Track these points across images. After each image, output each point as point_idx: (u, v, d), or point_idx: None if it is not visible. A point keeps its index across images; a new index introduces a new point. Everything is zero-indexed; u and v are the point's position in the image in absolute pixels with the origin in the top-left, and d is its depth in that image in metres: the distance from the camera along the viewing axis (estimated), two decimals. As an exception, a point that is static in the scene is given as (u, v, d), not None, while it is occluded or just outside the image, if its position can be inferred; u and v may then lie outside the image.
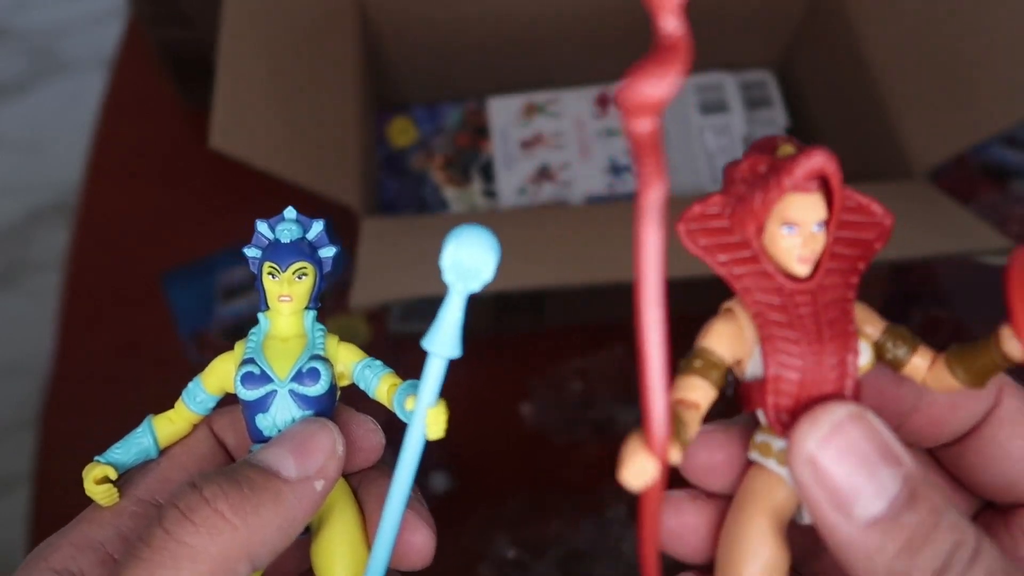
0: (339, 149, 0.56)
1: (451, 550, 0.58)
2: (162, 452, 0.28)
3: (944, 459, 0.27)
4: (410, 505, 0.25)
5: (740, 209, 0.22)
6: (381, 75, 0.71)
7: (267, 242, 0.28)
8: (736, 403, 0.24)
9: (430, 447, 0.25)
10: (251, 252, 0.28)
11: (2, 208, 1.32)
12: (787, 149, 0.23)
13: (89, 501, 0.27)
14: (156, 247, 0.73)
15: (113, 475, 0.27)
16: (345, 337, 0.28)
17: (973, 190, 0.70)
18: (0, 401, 1.11)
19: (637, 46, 0.78)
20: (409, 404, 0.25)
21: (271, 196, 0.51)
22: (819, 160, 0.21)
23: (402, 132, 0.73)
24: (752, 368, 0.23)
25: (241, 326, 0.65)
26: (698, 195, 0.24)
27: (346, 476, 0.28)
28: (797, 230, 0.22)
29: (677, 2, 0.16)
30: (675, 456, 0.20)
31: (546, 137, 0.71)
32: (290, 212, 0.28)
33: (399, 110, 0.74)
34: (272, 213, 0.28)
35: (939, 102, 0.57)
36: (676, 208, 0.25)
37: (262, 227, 0.28)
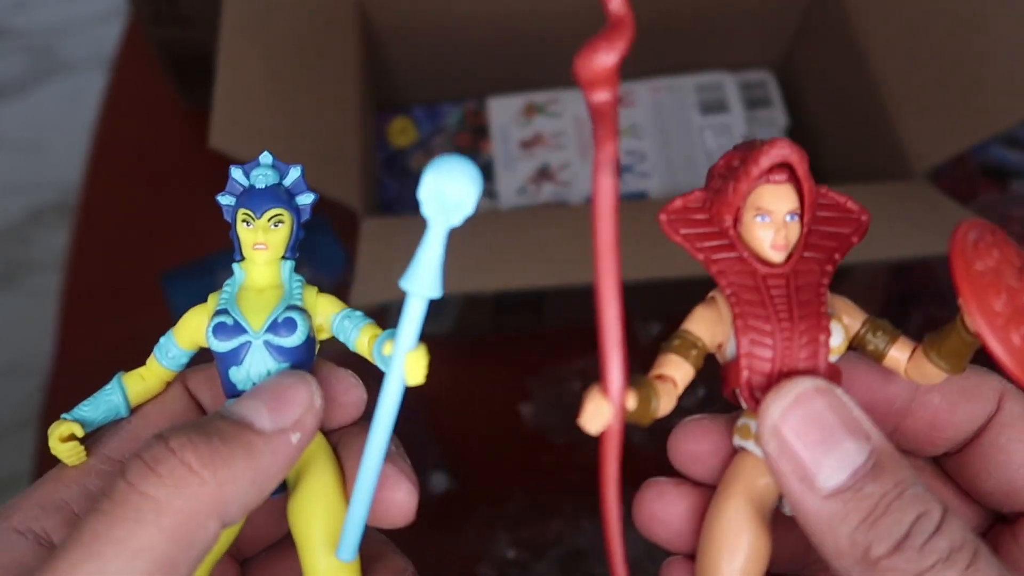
0: (339, 149, 0.56)
1: (451, 550, 0.58)
2: (133, 411, 0.27)
3: (950, 469, 0.27)
4: (390, 459, 0.24)
5: (717, 201, 0.24)
6: (381, 75, 0.71)
7: (241, 188, 0.27)
8: (720, 389, 0.25)
9: (428, 446, 0.24)
10: (225, 199, 0.27)
11: (2, 208, 1.32)
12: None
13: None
14: (156, 247, 0.73)
15: (80, 433, 0.25)
16: (326, 351, 0.27)
17: (973, 190, 0.70)
18: (0, 401, 1.11)
19: (636, 46, 0.77)
20: (387, 349, 0.24)
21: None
22: (783, 150, 0.22)
23: (402, 132, 0.73)
24: (731, 350, 0.24)
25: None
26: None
27: (326, 434, 0.27)
28: (770, 219, 0.23)
29: None
30: (631, 403, 0.22)
31: (546, 137, 0.71)
32: (266, 157, 0.27)
33: (399, 110, 0.74)
34: None
35: (939, 102, 0.57)
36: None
37: (236, 173, 0.27)
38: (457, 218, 0.21)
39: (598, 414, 0.21)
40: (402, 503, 0.25)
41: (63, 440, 0.25)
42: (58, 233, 1.22)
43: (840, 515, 0.21)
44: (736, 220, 0.24)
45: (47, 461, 0.26)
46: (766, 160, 0.23)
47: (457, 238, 0.22)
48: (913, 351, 0.24)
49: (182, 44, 0.72)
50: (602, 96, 0.19)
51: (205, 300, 0.27)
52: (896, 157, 0.59)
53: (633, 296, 0.65)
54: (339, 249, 0.60)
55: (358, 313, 0.26)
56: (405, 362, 0.22)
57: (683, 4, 0.68)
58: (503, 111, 0.73)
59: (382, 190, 0.71)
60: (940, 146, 0.56)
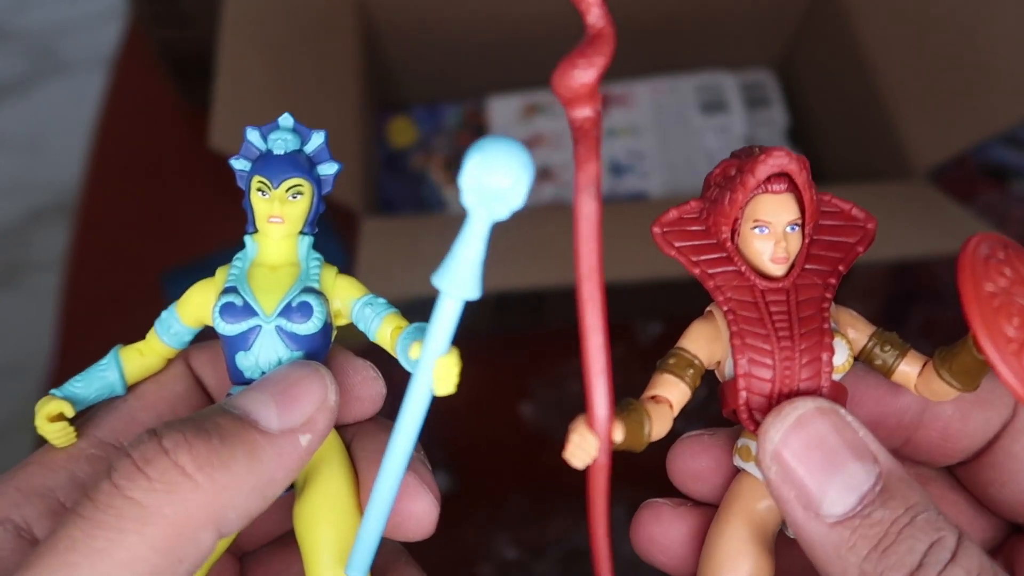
0: (339, 149, 0.56)
1: (451, 550, 0.58)
2: (130, 389, 0.24)
3: (963, 478, 0.26)
4: (411, 467, 0.22)
5: (713, 212, 0.23)
6: (381, 75, 0.71)
7: (258, 153, 0.24)
8: (720, 408, 0.24)
9: (429, 446, 0.23)
10: (238, 164, 0.24)
11: (2, 208, 1.32)
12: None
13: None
14: (156, 247, 0.73)
15: (70, 412, 0.23)
16: (343, 339, 0.25)
17: (973, 190, 0.70)
18: (0, 401, 1.11)
19: (637, 46, 0.78)
20: (414, 351, 0.21)
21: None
22: (780, 159, 0.21)
23: (402, 132, 0.73)
24: (729, 369, 0.23)
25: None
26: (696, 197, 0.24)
27: (339, 429, 0.24)
28: (769, 230, 0.22)
29: None
30: (618, 436, 0.20)
31: (546, 137, 0.71)
32: (286, 119, 0.24)
33: (399, 110, 0.74)
34: None
35: (939, 102, 0.57)
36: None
37: (252, 135, 0.24)
38: (503, 211, 0.18)
39: (583, 447, 0.20)
40: (422, 516, 0.22)
41: (51, 419, 0.23)
42: (58, 233, 1.22)
43: (848, 543, 0.20)
44: (734, 232, 0.23)
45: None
46: (763, 170, 0.21)
47: (456, 238, 0.21)
48: (923, 366, 0.23)
49: (182, 44, 0.72)
50: (583, 113, 0.18)
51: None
52: (896, 157, 0.59)
53: (633, 296, 0.65)
54: (339, 249, 0.60)
55: (381, 300, 0.24)
56: (434, 368, 0.20)
57: (683, 4, 0.68)
58: (503, 111, 0.73)
59: (382, 190, 0.71)
60: (940, 146, 0.56)
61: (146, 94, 0.81)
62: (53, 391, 0.23)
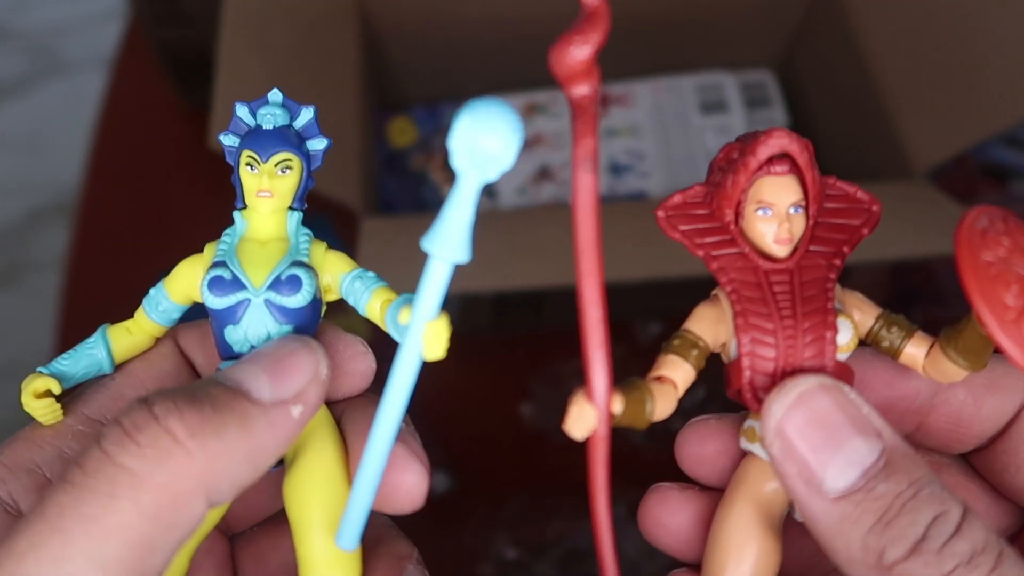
0: (339, 149, 0.56)
1: (451, 550, 0.58)
2: (118, 368, 0.25)
3: (978, 465, 0.26)
4: (400, 438, 0.22)
5: (717, 195, 0.23)
6: (381, 75, 0.71)
7: (247, 128, 0.24)
8: (725, 390, 0.24)
9: (429, 446, 0.23)
10: (227, 140, 0.24)
11: (2, 208, 1.32)
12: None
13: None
14: (156, 247, 0.73)
15: (57, 389, 0.23)
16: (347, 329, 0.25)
17: (973, 190, 0.70)
18: (0, 401, 1.10)
19: (636, 46, 0.78)
20: (403, 317, 0.21)
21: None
22: (781, 139, 0.22)
23: (402, 132, 0.73)
24: (734, 349, 0.23)
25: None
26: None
27: (329, 404, 0.24)
28: (772, 212, 0.22)
29: None
30: (616, 407, 0.21)
31: (546, 137, 0.71)
32: (275, 94, 0.24)
33: (399, 110, 0.74)
34: None
35: (939, 102, 0.57)
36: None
37: (241, 111, 0.24)
38: (493, 172, 0.18)
39: (582, 419, 0.20)
40: (411, 487, 0.22)
41: (37, 396, 0.23)
42: (58, 233, 1.22)
43: (851, 518, 0.19)
44: (738, 215, 0.23)
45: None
46: (764, 150, 0.22)
47: (446, 201, 0.21)
48: (931, 347, 0.22)
49: (182, 44, 0.72)
50: (581, 90, 0.18)
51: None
52: (896, 157, 0.59)
53: (633, 296, 0.65)
54: (339, 249, 0.60)
55: (371, 274, 0.24)
56: (424, 333, 0.19)
57: (683, 4, 0.68)
58: (503, 111, 0.73)
59: (382, 190, 0.71)
60: (940, 146, 0.56)
61: (146, 94, 0.81)
62: (40, 368, 0.23)
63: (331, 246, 0.25)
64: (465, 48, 0.69)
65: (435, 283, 0.19)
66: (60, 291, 0.72)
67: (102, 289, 0.72)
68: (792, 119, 0.71)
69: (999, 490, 0.25)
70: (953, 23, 0.57)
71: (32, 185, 1.33)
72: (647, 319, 0.66)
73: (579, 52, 0.18)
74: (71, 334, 0.69)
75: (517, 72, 0.72)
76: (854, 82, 0.64)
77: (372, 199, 0.64)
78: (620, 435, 0.23)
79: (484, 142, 0.18)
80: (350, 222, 0.53)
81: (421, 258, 0.19)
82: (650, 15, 0.68)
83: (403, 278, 0.47)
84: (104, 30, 1.38)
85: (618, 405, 0.21)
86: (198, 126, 0.55)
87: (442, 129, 0.74)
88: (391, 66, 0.70)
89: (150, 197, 0.76)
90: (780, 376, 0.22)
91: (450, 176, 0.71)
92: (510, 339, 0.67)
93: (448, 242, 0.19)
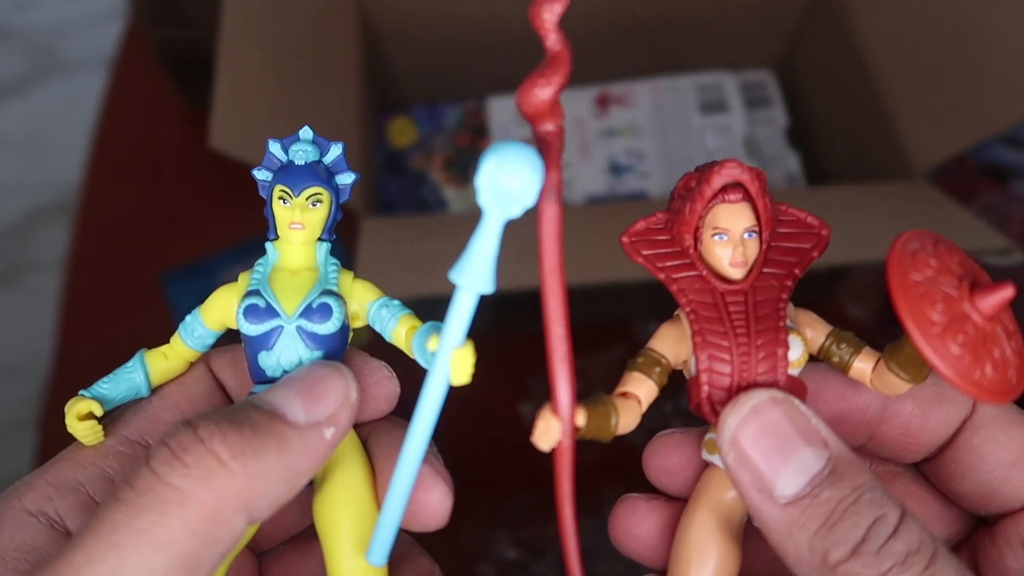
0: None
1: (451, 550, 0.58)
2: (155, 391, 0.26)
3: (929, 474, 0.27)
4: (425, 460, 0.23)
5: (677, 221, 0.25)
6: (381, 75, 0.71)
7: (279, 164, 0.25)
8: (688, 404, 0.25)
9: (431, 437, 0.23)
10: (261, 175, 0.25)
11: (2, 208, 1.32)
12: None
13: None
14: (156, 247, 0.73)
15: (99, 411, 0.24)
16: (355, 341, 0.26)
17: (973, 190, 0.70)
18: (0, 401, 1.11)
19: (636, 46, 0.77)
20: (432, 344, 0.22)
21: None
22: (732, 170, 0.23)
23: (402, 132, 0.73)
24: (694, 366, 0.24)
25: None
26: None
27: (355, 427, 0.26)
28: (727, 237, 0.24)
29: (554, 23, 0.19)
30: (580, 420, 0.22)
31: (546, 137, 0.71)
32: (306, 132, 0.25)
33: (399, 110, 0.74)
34: None
35: (939, 102, 0.57)
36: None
37: (274, 147, 0.25)
38: (515, 210, 0.20)
39: (548, 432, 0.22)
40: (436, 506, 0.24)
41: (81, 418, 0.24)
42: (58, 233, 1.22)
43: (799, 522, 0.21)
44: (696, 240, 0.24)
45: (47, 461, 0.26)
46: (718, 180, 0.23)
47: (457, 238, 0.22)
48: (877, 362, 0.24)
49: (182, 44, 0.72)
50: (546, 127, 0.20)
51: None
52: (896, 157, 0.59)
53: (633, 296, 0.65)
54: (339, 249, 0.60)
55: (396, 302, 0.25)
56: (451, 359, 0.21)
57: (683, 4, 0.68)
58: (503, 111, 0.73)
59: (382, 190, 0.71)
60: (940, 146, 0.56)
61: (146, 94, 0.81)
62: (82, 392, 0.25)
63: (331, 246, 0.26)
64: (465, 48, 0.69)
65: (462, 312, 0.21)
66: (60, 291, 0.72)
67: (102, 289, 0.72)
68: (792, 119, 0.71)
69: (949, 497, 0.27)
70: (953, 23, 0.57)
71: (32, 185, 1.33)
72: (647, 319, 0.66)
73: (542, 93, 0.19)
74: (71, 334, 0.69)
75: (517, 72, 0.72)
76: (854, 82, 0.64)
77: (372, 199, 0.64)
78: (620, 435, 0.24)
79: (507, 182, 0.19)
80: (350, 222, 0.53)
81: (420, 258, 0.20)
82: (650, 15, 0.68)
83: (403, 278, 0.47)
84: (104, 30, 1.38)
85: (582, 419, 0.22)
86: (198, 126, 0.55)
87: (442, 129, 0.74)
88: (391, 66, 0.70)
89: (150, 197, 0.76)
90: (736, 391, 0.23)
91: (450, 177, 0.71)
92: (510, 339, 0.67)
93: (474, 274, 0.20)
